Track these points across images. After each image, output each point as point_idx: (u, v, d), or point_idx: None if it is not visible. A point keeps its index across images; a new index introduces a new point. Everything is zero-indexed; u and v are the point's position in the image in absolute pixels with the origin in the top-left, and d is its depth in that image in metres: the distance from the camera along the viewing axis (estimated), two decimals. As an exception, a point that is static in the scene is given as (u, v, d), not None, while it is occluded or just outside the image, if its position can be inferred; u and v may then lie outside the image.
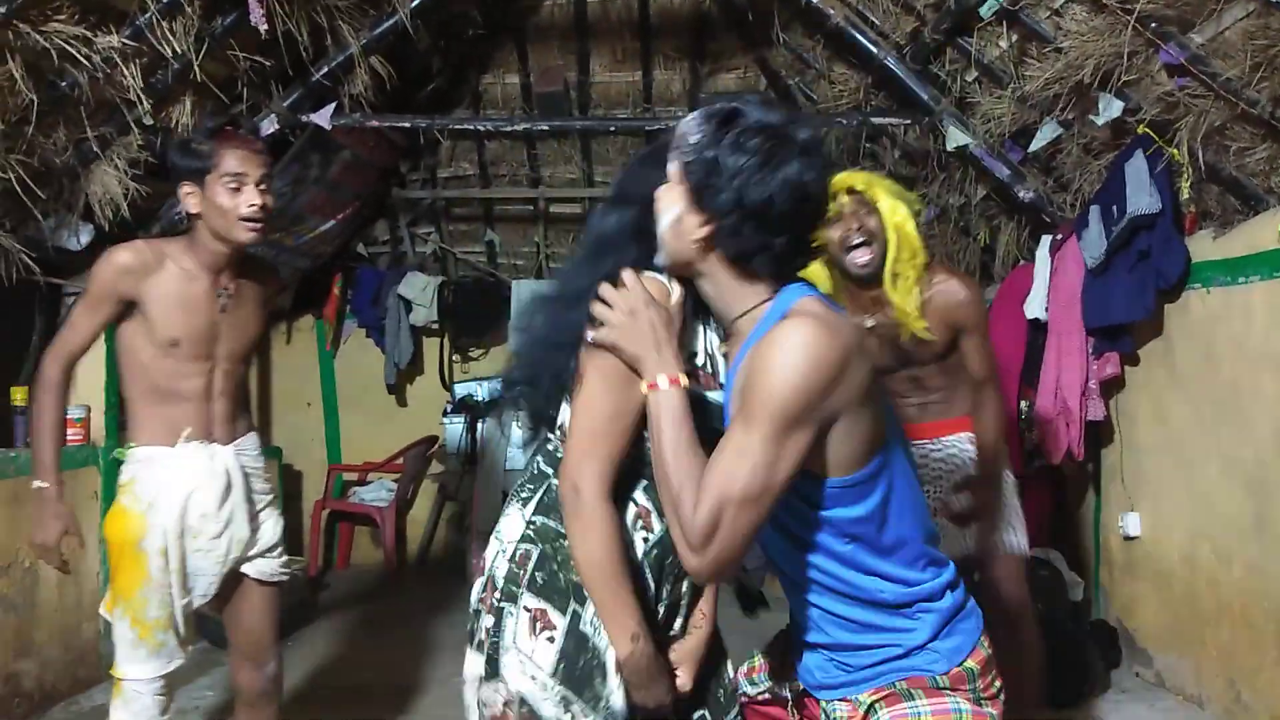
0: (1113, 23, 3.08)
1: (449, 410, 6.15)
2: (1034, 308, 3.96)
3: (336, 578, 5.74)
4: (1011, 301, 4.13)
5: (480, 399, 6.23)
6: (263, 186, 2.25)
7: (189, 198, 2.24)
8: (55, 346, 2.31)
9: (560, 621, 1.44)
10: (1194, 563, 3.51)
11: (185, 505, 2.28)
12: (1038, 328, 3.98)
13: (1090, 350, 3.74)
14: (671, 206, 1.37)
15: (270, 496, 2.53)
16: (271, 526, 2.49)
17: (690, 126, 1.37)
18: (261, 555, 2.44)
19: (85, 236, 3.64)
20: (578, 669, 1.43)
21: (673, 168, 1.37)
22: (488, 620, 1.49)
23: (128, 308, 2.25)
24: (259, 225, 2.25)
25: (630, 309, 1.37)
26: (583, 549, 1.40)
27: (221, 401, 2.37)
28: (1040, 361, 3.88)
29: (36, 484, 2.28)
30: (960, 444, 2.77)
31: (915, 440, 2.74)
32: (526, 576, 1.47)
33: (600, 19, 5.09)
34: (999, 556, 2.73)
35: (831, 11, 3.88)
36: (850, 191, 2.50)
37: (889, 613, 1.40)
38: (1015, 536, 2.77)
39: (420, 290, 6.09)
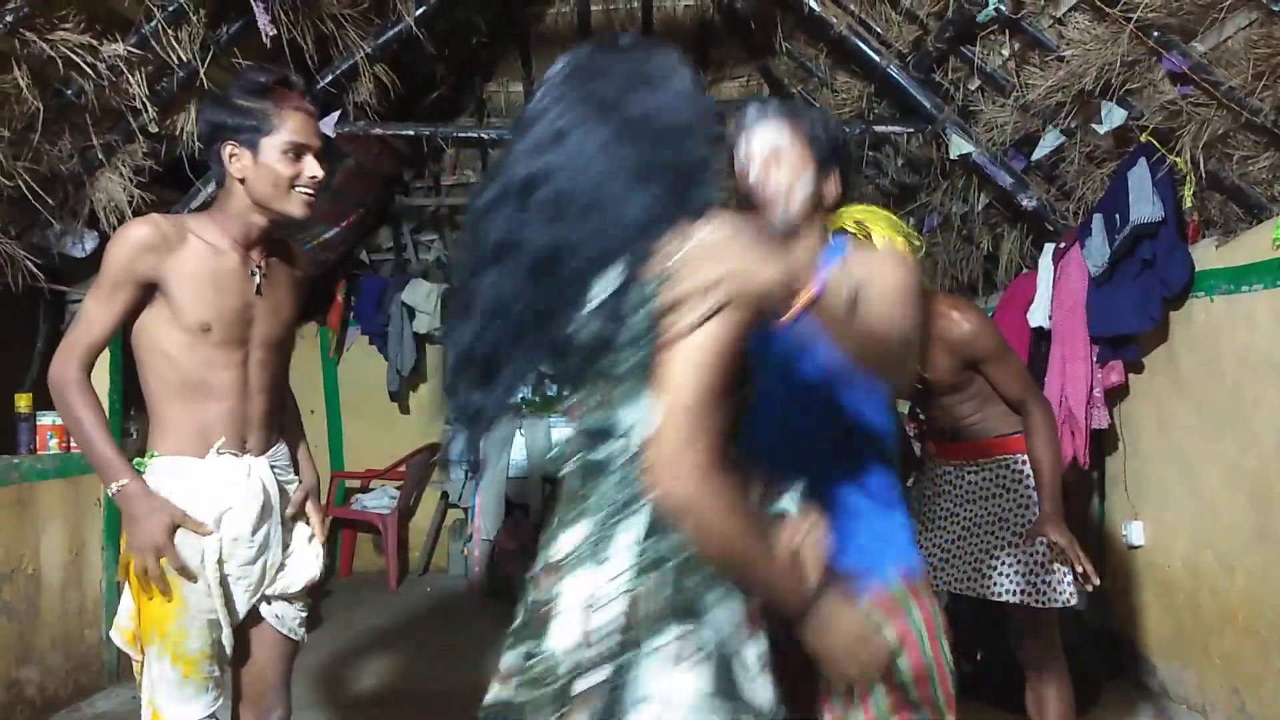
0: (1115, 31, 3.08)
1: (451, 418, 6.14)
2: (1037, 316, 3.96)
3: (339, 585, 5.74)
4: (1015, 309, 4.13)
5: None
6: (318, 157, 2.03)
7: (234, 160, 1.96)
8: (68, 344, 1.99)
9: (704, 636, 1.23)
10: (1197, 571, 3.50)
11: (219, 525, 1.98)
12: (1041, 335, 3.98)
13: (1095, 358, 3.74)
14: (802, 178, 1.72)
15: (317, 524, 2.21)
16: (311, 562, 2.17)
17: (774, 116, 1.74)
18: (286, 599, 2.13)
19: (90, 244, 3.66)
20: (731, 676, 1.24)
21: (795, 148, 1.72)
22: (592, 685, 1.21)
23: (146, 292, 1.96)
24: (314, 198, 2.03)
25: None
26: (718, 539, 1.19)
27: (260, 399, 2.07)
28: (1044, 369, 3.88)
29: (115, 486, 1.92)
30: (1001, 466, 2.59)
31: (954, 461, 2.66)
32: (652, 613, 1.22)
33: (604, 27, 5.10)
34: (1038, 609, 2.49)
35: (834, 20, 3.89)
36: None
37: None
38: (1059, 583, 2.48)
39: (424, 298, 6.10)
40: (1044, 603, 2.46)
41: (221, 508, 1.98)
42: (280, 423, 2.19)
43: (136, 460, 1.98)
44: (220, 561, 1.97)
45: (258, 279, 2.04)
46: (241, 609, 2.04)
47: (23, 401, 3.76)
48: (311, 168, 1.99)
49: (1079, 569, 2.35)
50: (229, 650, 2.01)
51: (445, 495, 6.21)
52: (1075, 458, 3.79)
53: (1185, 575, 3.57)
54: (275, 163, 1.96)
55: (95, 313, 1.96)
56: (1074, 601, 2.45)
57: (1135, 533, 3.84)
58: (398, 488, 6.00)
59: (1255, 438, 3.18)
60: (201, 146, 2.03)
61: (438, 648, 4.37)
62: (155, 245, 1.93)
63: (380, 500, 5.98)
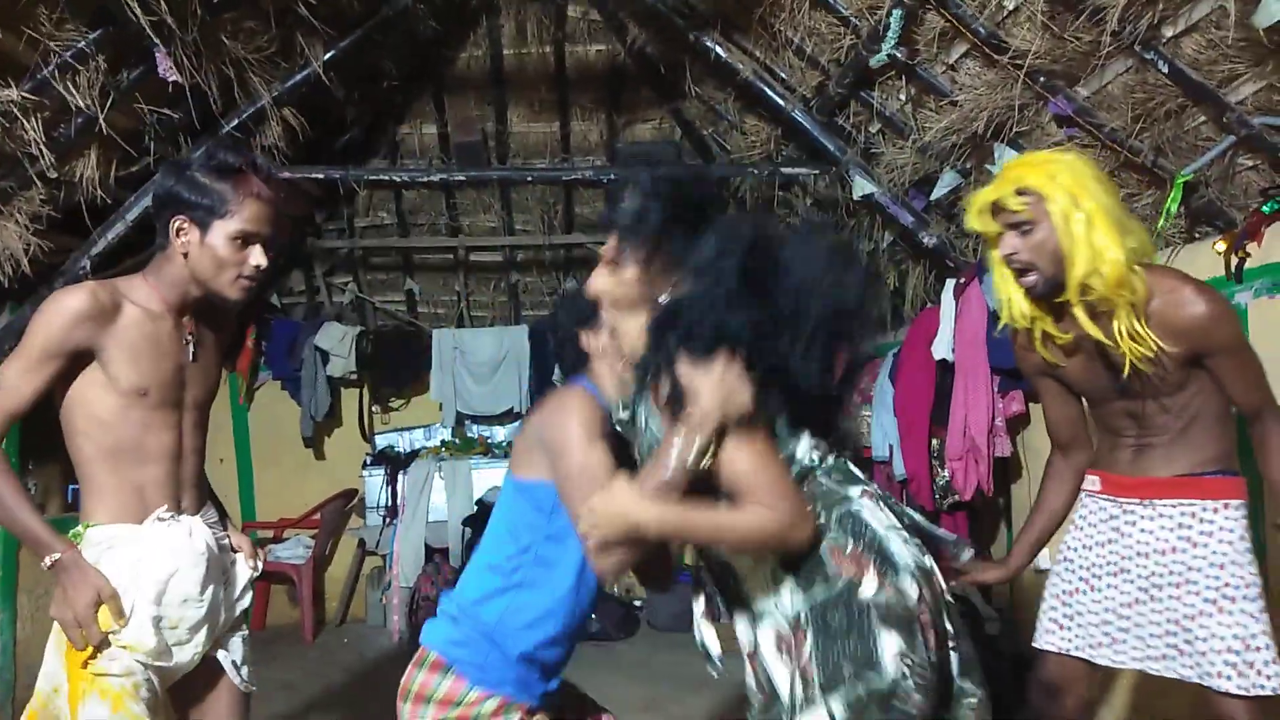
0: (1004, 76, 3.24)
1: (369, 462, 6.05)
2: (940, 349, 4.08)
3: (252, 639, 5.52)
4: (919, 343, 4.25)
5: (400, 451, 6.17)
6: (266, 246, 2.01)
7: (181, 235, 1.94)
8: None
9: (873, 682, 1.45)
10: (1101, 593, 3.62)
11: (164, 590, 1.93)
12: (945, 368, 4.11)
13: (996, 388, 3.87)
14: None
15: (251, 575, 2.21)
16: (245, 574, 2.19)
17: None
18: (232, 628, 2.14)
19: (-16, 293, 3.53)
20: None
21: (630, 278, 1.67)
22: None
23: (76, 361, 1.89)
24: (253, 285, 2.01)
25: None
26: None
27: (192, 460, 2.06)
28: (949, 401, 4.00)
29: (49, 560, 1.85)
30: (1185, 514, 2.06)
31: (1119, 498, 2.17)
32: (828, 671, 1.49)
33: (517, 70, 5.15)
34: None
35: (741, 66, 4.00)
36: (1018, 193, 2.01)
37: None
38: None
39: (338, 340, 6.01)
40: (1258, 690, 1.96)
41: (167, 572, 1.93)
42: (206, 482, 2.16)
43: (73, 532, 1.91)
44: (167, 628, 1.94)
45: (190, 344, 2.04)
46: (193, 659, 2.01)
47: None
48: (256, 256, 1.97)
49: None
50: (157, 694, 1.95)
51: (362, 542, 6.08)
52: (980, 486, 3.90)
53: (1089, 597, 3.68)
54: (221, 248, 1.94)
55: (17, 381, 1.86)
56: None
57: (1042, 558, 3.95)
58: (312, 536, 5.85)
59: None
60: (153, 209, 2.01)
61: (359, 702, 4.26)
62: (93, 315, 1.87)
63: (294, 550, 5.82)
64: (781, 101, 4.03)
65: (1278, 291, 2.80)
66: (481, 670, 1.72)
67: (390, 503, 5.92)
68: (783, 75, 4.05)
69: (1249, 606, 1.99)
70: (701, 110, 5.07)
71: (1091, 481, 2.26)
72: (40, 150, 3.23)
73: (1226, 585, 2.00)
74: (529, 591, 1.75)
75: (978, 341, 3.81)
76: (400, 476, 5.89)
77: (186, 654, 1.99)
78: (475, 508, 5.69)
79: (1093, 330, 2.01)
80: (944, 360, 4.11)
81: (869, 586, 1.48)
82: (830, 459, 1.63)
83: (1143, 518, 2.12)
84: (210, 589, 2.01)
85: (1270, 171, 2.86)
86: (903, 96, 3.73)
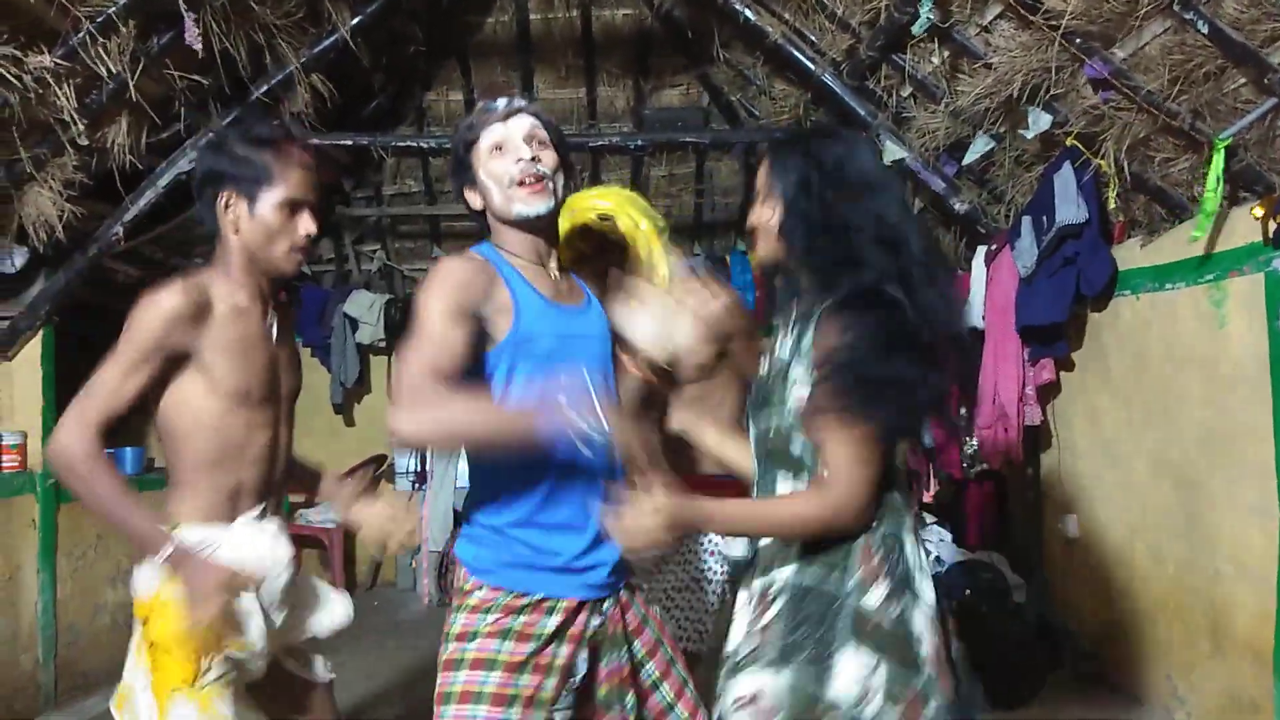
0: (1039, 39, 3.17)
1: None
2: (971, 316, 4.05)
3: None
4: (950, 310, 4.21)
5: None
6: (314, 214, 1.96)
7: (230, 210, 1.90)
8: (83, 415, 1.79)
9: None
10: (1129, 562, 3.61)
11: (260, 589, 1.89)
12: (975, 335, 4.08)
13: (1026, 357, 3.84)
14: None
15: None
16: (338, 610, 2.11)
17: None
18: (319, 651, 2.10)
19: (19, 259, 3.58)
20: None
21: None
22: None
23: (175, 364, 1.85)
24: (305, 256, 1.98)
25: None
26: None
27: (284, 458, 2.03)
28: (978, 368, 3.97)
29: (164, 556, 1.78)
30: None
31: None
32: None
33: (544, 36, 5.12)
34: None
35: (770, 29, 3.95)
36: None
37: None
38: None
39: (366, 308, 6.05)
40: None
41: (262, 574, 1.89)
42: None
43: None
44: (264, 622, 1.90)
45: (274, 332, 1.99)
46: (264, 664, 1.95)
47: (-50, 420, 3.67)
48: (306, 224, 1.93)
49: None
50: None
51: (392, 507, 6.15)
52: (1009, 454, 3.88)
53: (1118, 565, 3.68)
54: (270, 217, 1.90)
55: (118, 384, 1.80)
56: None
57: (1071, 525, 3.94)
58: (343, 501, 5.92)
59: (1179, 430, 3.29)
60: (196, 191, 1.95)
61: (389, 665, 4.33)
62: (190, 316, 1.82)
63: (325, 515, 5.91)
64: (811, 65, 3.98)
65: (1317, 257, 2.75)
66: (476, 559, 1.73)
67: (419, 469, 5.98)
68: (812, 38, 3.99)
69: None
70: (730, 75, 5.02)
71: None
72: (72, 117, 3.25)
73: None
74: (488, 469, 1.75)
75: (1007, 309, 3.78)
76: (429, 443, 5.93)
77: (262, 659, 1.93)
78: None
79: None
80: (973, 328, 4.08)
81: (874, 597, 1.47)
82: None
83: None
84: (287, 589, 1.96)
85: (1312, 134, 2.80)
86: (935, 60, 3.67)
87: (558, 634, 1.69)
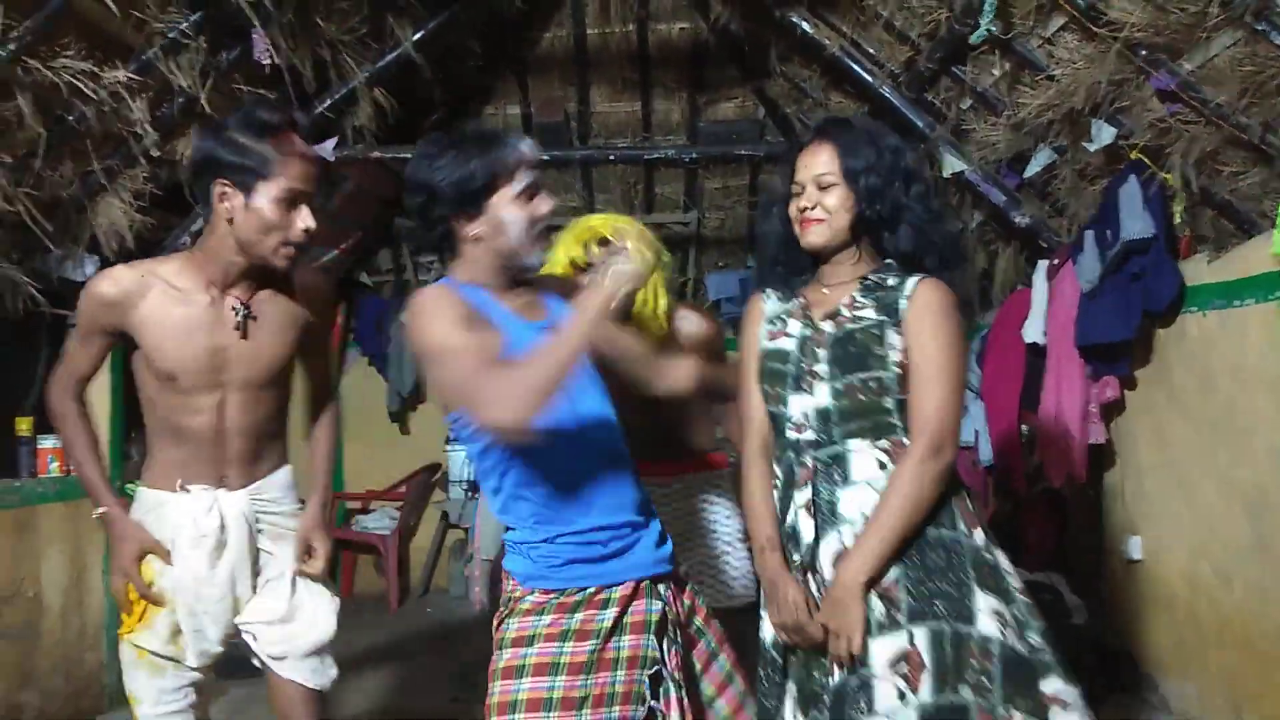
0: (1103, 50, 3.12)
1: (452, 438, 6.17)
2: (1032, 332, 3.98)
3: (340, 606, 5.71)
4: (1010, 326, 4.15)
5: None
6: (312, 208, 1.92)
7: (224, 200, 1.86)
8: (57, 377, 2.05)
9: None
10: (1195, 584, 3.51)
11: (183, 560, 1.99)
12: (1036, 352, 4.01)
13: (1089, 374, 3.76)
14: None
15: (321, 553, 2.19)
16: (321, 622, 2.16)
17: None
18: (304, 654, 2.10)
19: (91, 268, 3.68)
20: None
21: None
22: None
23: (122, 338, 1.96)
24: (300, 252, 1.93)
25: None
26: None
27: (239, 440, 2.01)
28: (1039, 385, 3.90)
29: (96, 511, 2.01)
30: None
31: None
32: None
33: (600, 50, 5.15)
34: None
35: (827, 42, 3.94)
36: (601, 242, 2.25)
37: None
38: None
39: (423, 319, 6.11)
40: None
41: (183, 542, 1.98)
42: (277, 454, 2.16)
43: (129, 485, 2.03)
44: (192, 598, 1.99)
45: (238, 318, 1.95)
46: (216, 641, 2.04)
47: (23, 425, 3.77)
48: (304, 218, 1.89)
49: None
50: (200, 658, 2.02)
51: (445, 515, 6.21)
52: (1072, 472, 3.80)
53: (1184, 589, 3.58)
54: (267, 210, 1.85)
55: (74, 354, 2.04)
56: None
57: (1134, 547, 3.85)
58: (398, 508, 6.00)
59: (1249, 450, 3.19)
60: (192, 177, 1.98)
61: (440, 669, 4.36)
62: (116, 301, 1.91)
63: (380, 521, 5.99)
64: (869, 78, 3.96)
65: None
66: (525, 568, 1.76)
67: (472, 478, 6.03)
68: (870, 51, 3.98)
69: None
70: (786, 88, 5.00)
71: None
72: (144, 129, 3.35)
73: None
74: (512, 497, 1.77)
75: (1070, 325, 3.71)
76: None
77: (210, 628, 2.01)
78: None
79: None
80: (1034, 344, 4.01)
81: (979, 538, 1.71)
82: None
83: None
84: (226, 566, 2.00)
85: (1390, 147, 2.71)
86: (996, 72, 3.63)
87: (617, 626, 1.69)
